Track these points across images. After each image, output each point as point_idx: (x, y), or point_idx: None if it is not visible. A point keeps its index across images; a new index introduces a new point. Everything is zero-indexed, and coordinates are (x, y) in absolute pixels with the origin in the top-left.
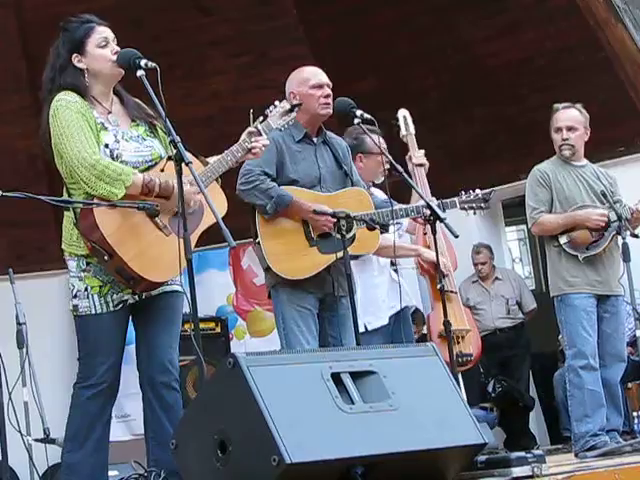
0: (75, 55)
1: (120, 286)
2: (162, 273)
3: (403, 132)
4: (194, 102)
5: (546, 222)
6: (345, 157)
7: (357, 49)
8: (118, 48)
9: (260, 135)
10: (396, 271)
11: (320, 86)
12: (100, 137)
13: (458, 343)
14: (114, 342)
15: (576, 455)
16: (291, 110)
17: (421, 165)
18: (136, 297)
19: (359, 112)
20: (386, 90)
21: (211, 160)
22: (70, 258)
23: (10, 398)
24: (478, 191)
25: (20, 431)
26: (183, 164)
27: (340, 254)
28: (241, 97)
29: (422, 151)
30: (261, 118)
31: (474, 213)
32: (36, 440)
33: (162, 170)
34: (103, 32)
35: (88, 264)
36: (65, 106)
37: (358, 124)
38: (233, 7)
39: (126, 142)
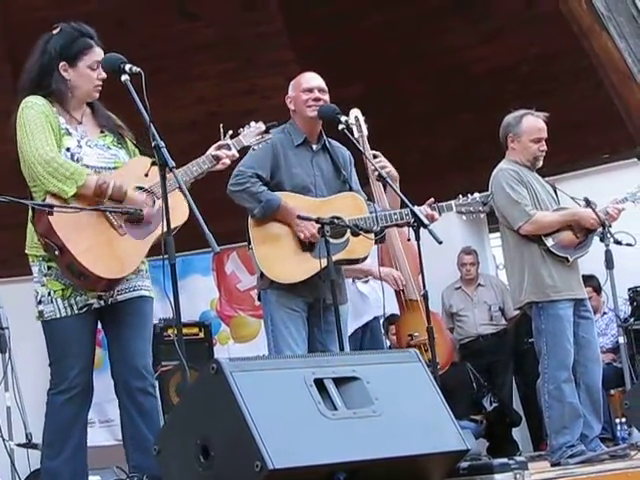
0: (63, 64)
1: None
2: (112, 270)
3: (356, 134)
4: (179, 107)
5: (543, 220)
6: (346, 166)
7: (343, 55)
8: (104, 75)
9: (229, 149)
10: (367, 282)
11: (310, 90)
12: (62, 141)
13: (426, 351)
14: (82, 345)
15: (552, 466)
16: (266, 131)
17: (383, 178)
18: (102, 302)
19: (344, 118)
20: (372, 96)
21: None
22: (33, 263)
23: None
24: (476, 195)
25: (2, 436)
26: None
27: (334, 258)
28: (226, 102)
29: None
30: (231, 132)
31: (472, 217)
32: (18, 445)
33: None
34: (98, 55)
35: (49, 268)
36: (30, 107)
37: (342, 130)
38: (219, 12)
39: (89, 148)
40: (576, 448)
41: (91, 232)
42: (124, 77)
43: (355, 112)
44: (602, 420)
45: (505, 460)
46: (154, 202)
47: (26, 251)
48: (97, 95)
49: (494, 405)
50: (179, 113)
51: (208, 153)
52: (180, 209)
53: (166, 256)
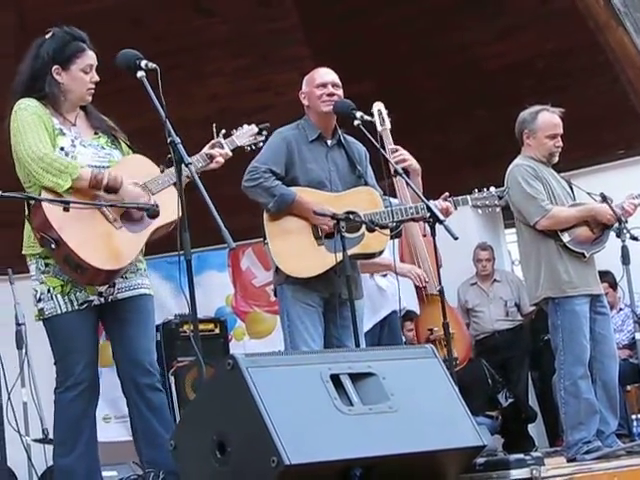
0: (57, 67)
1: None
2: (109, 261)
3: (379, 127)
4: (193, 103)
5: (560, 215)
6: (361, 161)
7: (357, 51)
8: (97, 78)
9: (222, 148)
10: (385, 276)
11: (324, 85)
12: (56, 141)
13: (445, 346)
14: (86, 340)
15: (569, 461)
16: (259, 133)
17: (398, 173)
18: (102, 299)
19: (359, 114)
20: (385, 92)
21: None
22: (30, 262)
23: (9, 398)
24: (492, 189)
25: (19, 431)
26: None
27: (349, 252)
28: (240, 99)
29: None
30: (224, 131)
31: (488, 211)
32: (35, 440)
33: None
34: (91, 59)
35: (47, 265)
36: (23, 108)
37: (358, 126)
38: (233, 8)
39: (83, 147)
40: (592, 444)
41: (86, 225)
42: (140, 73)
43: (378, 105)
44: (618, 416)
45: (521, 456)
46: (149, 198)
47: (23, 252)
48: (90, 98)
49: (509, 401)
50: (194, 109)
51: (202, 152)
52: (174, 204)
53: (182, 252)
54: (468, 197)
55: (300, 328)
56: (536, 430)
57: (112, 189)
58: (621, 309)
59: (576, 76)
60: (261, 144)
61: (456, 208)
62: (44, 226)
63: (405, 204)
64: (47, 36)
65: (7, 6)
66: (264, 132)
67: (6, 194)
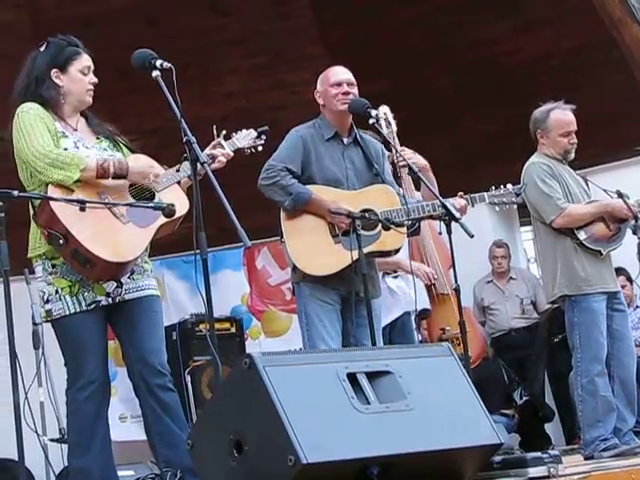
0: (55, 70)
1: (89, 284)
2: (118, 254)
3: (385, 130)
4: (209, 102)
5: (575, 212)
6: (378, 158)
7: (371, 49)
8: (96, 80)
9: (223, 148)
10: (396, 277)
11: (339, 84)
12: (59, 143)
13: (459, 345)
14: (95, 340)
15: (586, 459)
16: (258, 136)
17: (413, 172)
18: (110, 300)
19: (374, 112)
20: (400, 90)
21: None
22: (36, 264)
23: (26, 398)
24: (509, 186)
25: (36, 431)
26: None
27: (366, 250)
28: (256, 97)
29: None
30: (224, 132)
31: (505, 208)
32: (52, 440)
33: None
34: (87, 61)
35: (54, 266)
36: (25, 111)
37: (373, 124)
38: (248, 7)
39: (86, 149)
40: (609, 441)
41: (94, 220)
42: (155, 73)
43: (384, 109)
44: (636, 413)
45: (539, 454)
46: (154, 194)
47: (28, 255)
48: (90, 100)
49: (525, 399)
50: (209, 108)
51: (204, 152)
52: (181, 201)
53: (198, 251)
54: (485, 194)
55: (318, 326)
56: (553, 428)
57: (119, 175)
58: (638, 306)
59: (591, 73)
60: (260, 148)
61: (473, 205)
62: (52, 222)
63: (419, 201)
64: (41, 49)
65: (20, 7)
66: (263, 136)
67: (22, 194)
